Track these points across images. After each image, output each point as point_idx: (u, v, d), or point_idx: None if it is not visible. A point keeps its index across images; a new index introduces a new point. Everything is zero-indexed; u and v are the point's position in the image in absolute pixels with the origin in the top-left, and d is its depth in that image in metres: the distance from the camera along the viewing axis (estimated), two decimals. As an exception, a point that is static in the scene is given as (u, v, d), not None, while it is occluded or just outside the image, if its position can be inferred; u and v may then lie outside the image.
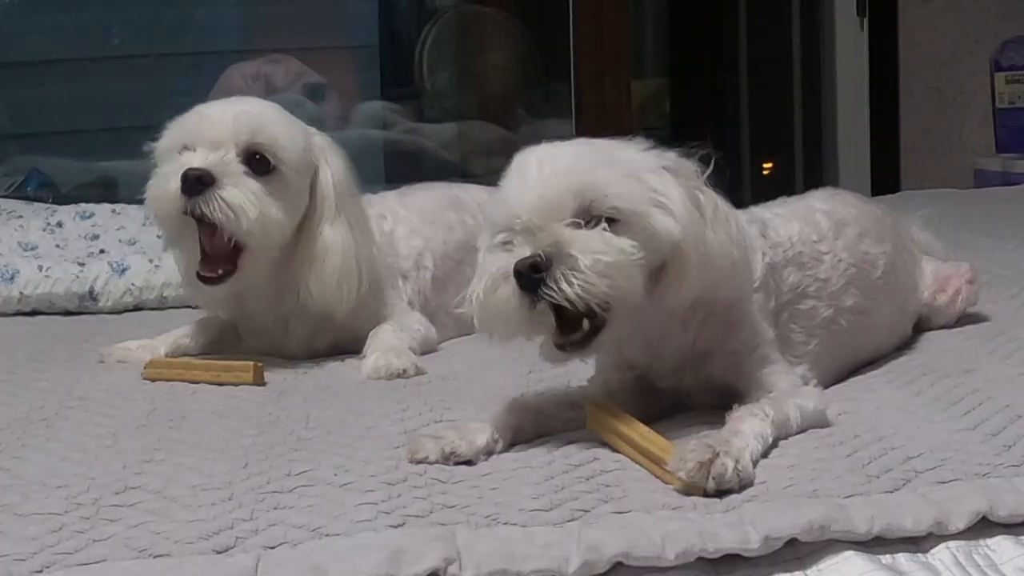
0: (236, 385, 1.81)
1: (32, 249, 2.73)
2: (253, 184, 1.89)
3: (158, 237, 2.82)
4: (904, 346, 1.88)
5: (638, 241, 1.37)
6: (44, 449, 1.50)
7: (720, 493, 1.26)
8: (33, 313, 2.49)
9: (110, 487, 1.32)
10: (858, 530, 1.20)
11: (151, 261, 2.56)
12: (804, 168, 4.90)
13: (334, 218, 1.97)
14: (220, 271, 1.91)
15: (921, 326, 1.96)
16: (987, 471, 1.31)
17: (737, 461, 1.28)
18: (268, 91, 4.26)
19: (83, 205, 3.03)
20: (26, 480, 1.37)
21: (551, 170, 1.39)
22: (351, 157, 2.07)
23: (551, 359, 1.43)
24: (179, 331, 2.08)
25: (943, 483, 1.28)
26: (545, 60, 4.89)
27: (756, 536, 1.18)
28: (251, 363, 1.84)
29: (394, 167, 4.68)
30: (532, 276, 1.34)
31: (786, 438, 1.43)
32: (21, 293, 2.48)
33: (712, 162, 1.48)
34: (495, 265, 1.38)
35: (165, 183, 1.88)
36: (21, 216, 3.00)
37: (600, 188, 1.37)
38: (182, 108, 1.98)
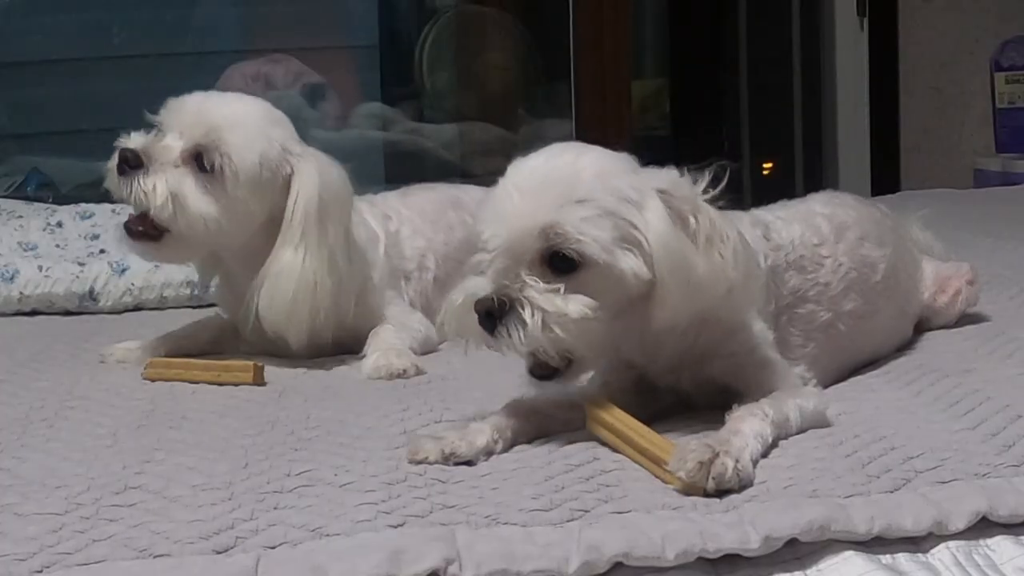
0: (236, 385, 1.81)
1: (32, 249, 2.72)
2: (178, 177, 1.91)
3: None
4: (904, 346, 1.88)
5: (602, 284, 1.39)
6: (44, 449, 1.50)
7: (720, 493, 1.26)
8: (33, 313, 2.49)
9: (110, 487, 1.32)
10: (858, 530, 1.20)
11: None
12: (804, 168, 4.90)
13: (297, 242, 1.93)
14: (142, 228, 1.95)
15: (921, 327, 1.96)
16: (987, 471, 1.31)
17: (737, 461, 1.28)
18: (268, 91, 4.26)
19: (83, 205, 3.03)
20: (26, 480, 1.37)
21: (521, 206, 1.40)
22: (350, 159, 2.05)
23: (529, 387, 1.46)
24: (179, 331, 2.08)
25: (943, 483, 1.28)
26: (545, 60, 4.89)
27: (756, 536, 1.18)
28: (251, 363, 1.84)
29: (394, 167, 4.68)
30: (489, 318, 1.39)
31: (786, 438, 1.43)
32: (21, 293, 2.48)
33: (727, 174, 1.48)
34: (465, 291, 1.43)
35: (112, 158, 1.94)
36: (21, 216, 3.00)
37: (565, 231, 1.38)
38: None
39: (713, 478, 1.26)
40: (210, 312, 2.19)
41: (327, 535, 1.18)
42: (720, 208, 1.47)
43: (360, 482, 1.32)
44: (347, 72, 4.80)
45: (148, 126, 1.96)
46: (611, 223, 1.39)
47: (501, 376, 1.81)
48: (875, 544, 1.21)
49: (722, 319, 1.49)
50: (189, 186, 1.91)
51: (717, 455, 1.27)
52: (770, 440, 1.39)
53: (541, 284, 1.38)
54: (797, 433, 1.44)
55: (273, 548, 1.16)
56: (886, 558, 1.20)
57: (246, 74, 4.41)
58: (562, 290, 1.38)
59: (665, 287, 1.40)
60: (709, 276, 1.41)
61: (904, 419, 1.50)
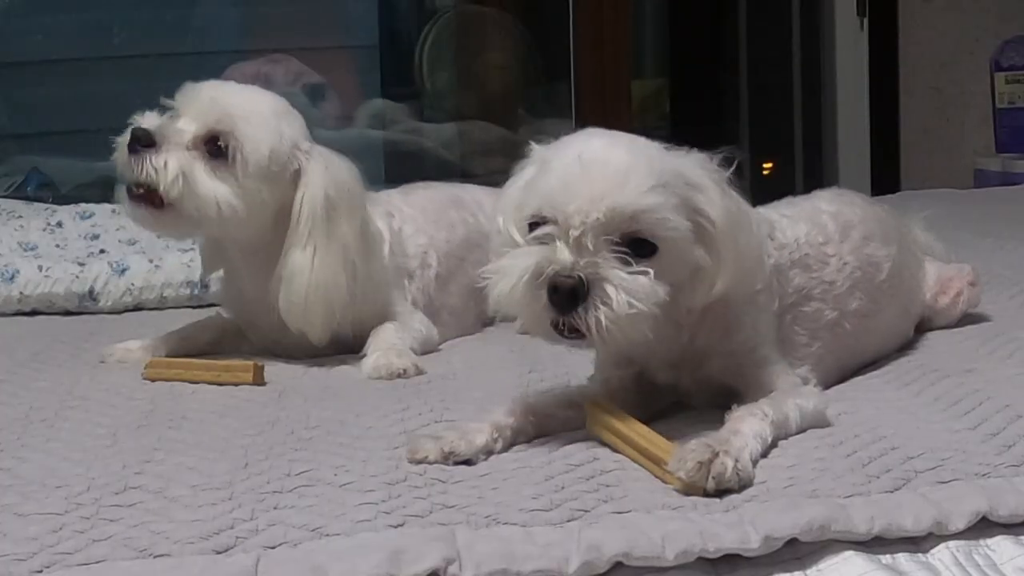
0: (236, 385, 1.81)
1: (32, 249, 2.72)
2: (189, 159, 1.91)
3: (159, 237, 2.83)
4: (904, 346, 1.88)
5: (670, 270, 1.38)
6: (44, 449, 1.50)
7: (720, 493, 1.26)
8: (33, 313, 2.49)
9: (110, 487, 1.32)
10: (858, 530, 1.20)
11: (151, 261, 2.56)
12: (804, 168, 4.90)
13: (305, 242, 1.94)
14: (143, 192, 1.93)
15: (922, 327, 1.96)
16: (987, 471, 1.31)
17: (737, 461, 1.28)
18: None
19: (83, 205, 3.03)
20: (26, 480, 1.37)
21: (618, 183, 1.36)
22: (352, 159, 2.06)
23: (552, 342, 1.41)
24: (179, 331, 2.08)
25: (943, 483, 1.28)
26: (545, 60, 4.88)
27: (756, 536, 1.18)
28: (251, 363, 1.84)
29: (394, 167, 4.68)
30: (569, 298, 1.33)
31: (786, 438, 1.43)
32: (21, 293, 2.48)
33: (735, 164, 1.48)
34: (530, 260, 1.35)
35: (124, 135, 1.94)
36: (21, 216, 3.00)
37: (658, 218, 1.36)
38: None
39: (713, 478, 1.26)
40: (210, 312, 2.19)
41: (327, 535, 1.18)
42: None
43: (360, 482, 1.32)
44: (347, 72, 4.80)
45: (163, 109, 1.97)
46: (686, 211, 1.40)
47: (501, 376, 1.82)
48: (875, 544, 1.21)
49: (730, 305, 1.49)
50: (200, 168, 1.91)
51: (717, 455, 1.27)
52: (770, 440, 1.39)
53: (625, 265, 1.35)
54: (797, 433, 1.44)
55: (273, 548, 1.16)
56: (886, 558, 1.20)
57: (246, 74, 4.40)
58: (649, 273, 1.35)
59: (724, 265, 1.41)
60: (747, 251, 1.45)
61: (904, 419, 1.50)
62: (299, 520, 1.21)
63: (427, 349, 2.04)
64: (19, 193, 4.01)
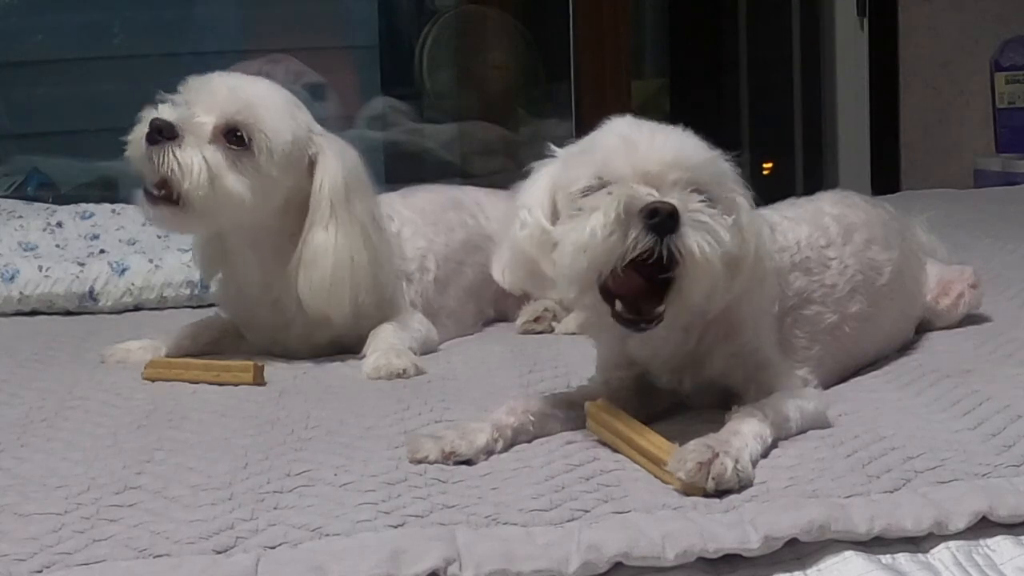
0: (236, 385, 1.81)
1: (32, 249, 2.72)
2: (212, 151, 1.89)
3: (159, 237, 2.83)
4: (904, 347, 1.88)
5: None
6: (44, 449, 1.50)
7: (720, 493, 1.26)
8: (33, 313, 2.49)
9: (110, 487, 1.32)
10: (858, 530, 1.20)
11: (151, 261, 2.56)
12: (804, 168, 4.90)
13: (327, 223, 1.95)
14: (164, 192, 1.90)
15: (922, 328, 1.96)
16: (987, 471, 1.31)
17: (736, 461, 1.28)
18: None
19: (83, 205, 3.03)
20: (26, 480, 1.37)
21: (679, 136, 1.39)
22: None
23: (623, 335, 1.42)
24: (179, 331, 2.08)
25: (943, 483, 1.28)
26: (545, 60, 4.88)
27: (756, 536, 1.18)
28: (251, 363, 1.84)
29: (394, 167, 4.68)
30: (668, 221, 1.30)
31: (786, 439, 1.42)
32: (21, 293, 2.48)
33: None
34: (621, 196, 1.32)
35: (140, 128, 1.91)
36: (21, 216, 3.00)
37: (716, 169, 1.38)
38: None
39: (712, 478, 1.26)
40: (210, 312, 2.19)
41: (327, 535, 1.18)
42: None
43: (360, 482, 1.32)
44: (347, 72, 4.80)
45: (162, 102, 1.96)
46: (730, 188, 1.42)
47: (501, 376, 1.82)
48: (875, 544, 1.21)
49: (734, 309, 1.49)
50: (222, 162, 1.90)
51: (717, 455, 1.27)
52: (770, 441, 1.39)
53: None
54: (797, 434, 1.44)
55: (273, 548, 1.16)
56: (886, 558, 1.20)
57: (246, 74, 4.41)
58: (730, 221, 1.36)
59: (739, 266, 1.41)
60: (761, 249, 1.46)
61: (904, 419, 1.50)
62: (299, 520, 1.21)
63: (427, 349, 2.04)
64: (19, 193, 4.01)
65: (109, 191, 4.17)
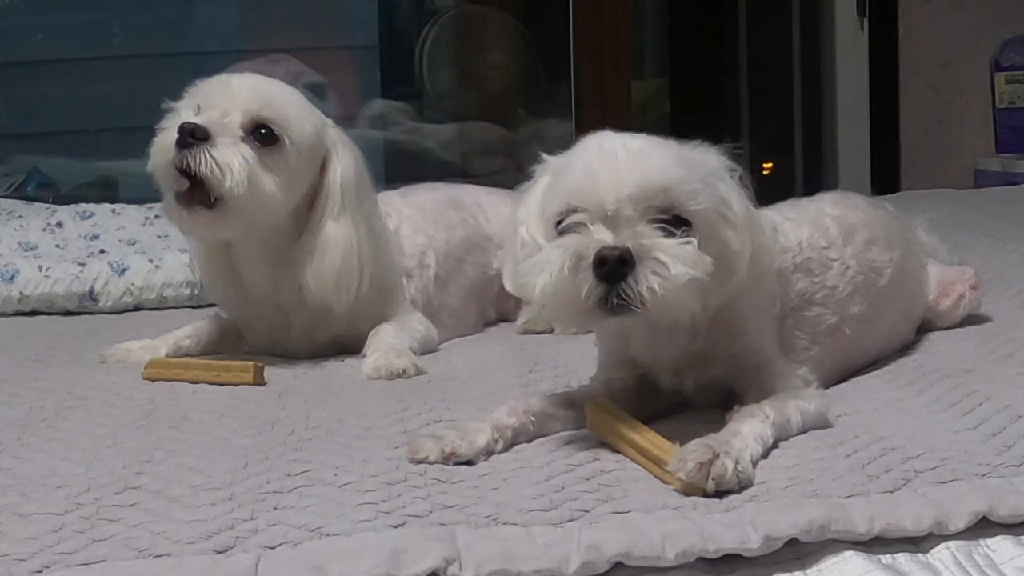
0: (236, 385, 1.81)
1: (32, 249, 2.72)
2: (247, 150, 1.88)
3: (159, 237, 2.83)
4: (905, 347, 1.88)
5: (705, 242, 1.37)
6: (44, 449, 1.50)
7: (720, 494, 1.26)
8: (33, 313, 2.49)
9: (110, 487, 1.32)
10: (858, 530, 1.20)
11: (151, 261, 2.56)
12: (804, 168, 4.90)
13: (339, 214, 1.96)
14: (196, 195, 1.88)
15: (923, 328, 1.96)
16: (987, 471, 1.31)
17: (737, 462, 1.28)
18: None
19: (83, 205, 3.03)
20: (26, 480, 1.37)
21: (643, 161, 1.36)
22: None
23: (598, 318, 1.38)
24: (179, 331, 2.08)
25: (943, 483, 1.28)
26: (545, 60, 4.88)
27: (756, 536, 1.18)
28: (251, 363, 1.84)
29: (394, 167, 4.68)
30: (617, 269, 1.31)
31: (786, 439, 1.42)
32: (21, 293, 2.48)
33: (740, 160, 1.49)
34: (570, 244, 1.33)
35: (165, 136, 1.89)
36: (21, 216, 3.00)
37: (687, 190, 1.36)
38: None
39: (713, 479, 1.26)
40: (210, 312, 2.19)
41: (327, 535, 1.18)
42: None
43: (360, 482, 1.32)
44: (347, 72, 4.80)
45: (169, 109, 1.94)
46: (711, 193, 1.39)
47: (501, 376, 1.82)
48: (875, 544, 1.21)
49: (737, 310, 1.49)
50: (255, 160, 1.89)
51: (717, 456, 1.27)
52: (771, 442, 1.39)
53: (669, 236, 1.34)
54: (798, 434, 1.44)
55: (273, 548, 1.16)
56: (886, 558, 1.20)
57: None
58: (692, 242, 1.35)
59: (739, 265, 1.41)
60: (761, 246, 1.45)
61: (904, 419, 1.50)
62: (299, 520, 1.21)
63: (427, 349, 2.04)
64: (19, 193, 4.01)
65: (109, 191, 4.17)
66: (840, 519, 1.20)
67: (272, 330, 2.04)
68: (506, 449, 1.42)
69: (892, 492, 1.27)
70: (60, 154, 4.43)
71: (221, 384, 1.82)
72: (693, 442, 1.31)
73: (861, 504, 1.23)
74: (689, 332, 1.49)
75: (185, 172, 1.86)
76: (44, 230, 2.86)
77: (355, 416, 1.61)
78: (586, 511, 1.22)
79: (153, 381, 1.85)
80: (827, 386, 1.64)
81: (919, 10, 4.60)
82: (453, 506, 1.24)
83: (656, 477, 1.31)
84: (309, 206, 1.98)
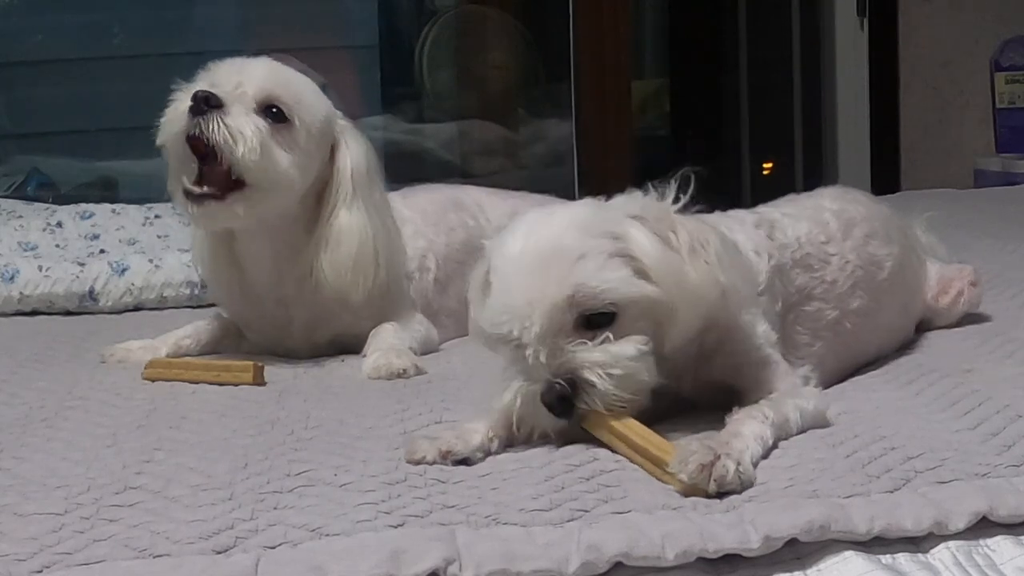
0: (236, 385, 1.81)
1: (32, 249, 2.73)
2: (261, 121, 1.89)
3: (159, 237, 2.83)
4: (904, 346, 1.88)
5: (639, 318, 1.39)
6: (44, 449, 1.50)
7: (721, 494, 1.26)
8: (33, 313, 2.49)
9: (110, 487, 1.32)
10: (858, 530, 1.20)
11: (151, 261, 2.56)
12: (804, 168, 4.90)
13: (351, 202, 1.97)
14: (207, 189, 1.88)
15: (922, 327, 1.96)
16: (987, 471, 1.31)
17: (738, 464, 1.28)
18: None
19: (83, 205, 3.03)
20: (26, 480, 1.37)
21: (535, 287, 1.37)
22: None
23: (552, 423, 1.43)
24: (179, 331, 2.08)
25: (943, 483, 1.28)
26: (545, 60, 4.89)
27: (756, 536, 1.18)
28: (251, 363, 1.84)
29: (394, 167, 4.68)
30: (563, 403, 1.37)
31: (786, 438, 1.42)
32: (21, 293, 2.48)
33: (692, 180, 1.47)
34: (516, 386, 1.40)
35: (178, 105, 1.89)
36: (21, 216, 3.00)
37: (590, 288, 1.37)
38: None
39: (715, 480, 1.26)
40: (210, 312, 2.19)
41: (327, 535, 1.18)
42: (698, 212, 1.49)
43: (360, 482, 1.32)
44: (347, 72, 4.80)
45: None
46: (618, 261, 1.39)
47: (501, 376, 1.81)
48: (875, 544, 1.21)
49: (720, 321, 1.49)
50: (267, 133, 1.89)
51: (719, 457, 1.27)
52: (771, 442, 1.39)
53: (589, 344, 1.37)
54: (797, 434, 1.44)
55: (273, 548, 1.16)
56: (886, 558, 1.20)
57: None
58: (611, 338, 1.38)
59: (671, 303, 1.40)
60: (702, 283, 1.42)
61: (904, 419, 1.50)
62: (299, 520, 1.21)
63: (427, 349, 2.04)
64: (19, 193, 4.01)
65: (109, 191, 4.17)
66: (840, 519, 1.20)
67: (273, 326, 2.04)
68: (502, 448, 1.42)
69: (892, 492, 1.27)
70: (60, 154, 4.43)
71: (221, 384, 1.82)
72: (694, 443, 1.31)
73: (861, 504, 1.23)
74: (686, 345, 1.48)
75: (197, 143, 1.86)
76: (44, 230, 2.86)
77: (355, 416, 1.61)
78: (586, 511, 1.22)
79: (153, 381, 1.85)
80: (829, 383, 1.64)
81: (919, 10, 4.60)
82: (453, 506, 1.24)
83: (656, 478, 1.31)
84: (317, 198, 1.98)
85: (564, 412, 1.38)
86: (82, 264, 2.54)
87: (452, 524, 1.20)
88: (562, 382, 1.37)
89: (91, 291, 2.51)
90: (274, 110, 1.91)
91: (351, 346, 2.01)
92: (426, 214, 2.22)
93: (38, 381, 1.88)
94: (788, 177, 4.91)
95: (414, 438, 1.43)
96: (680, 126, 5.24)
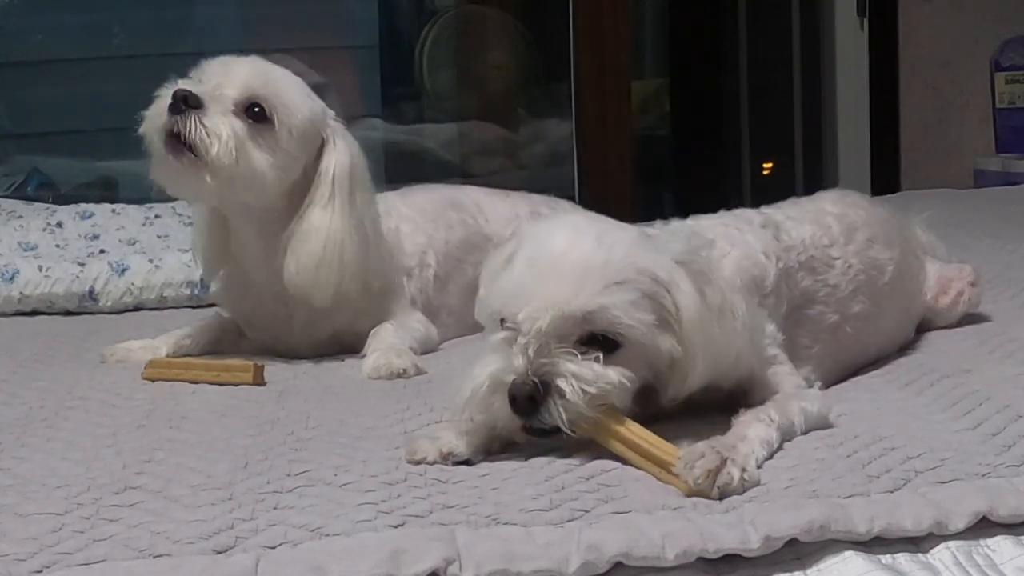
0: (236, 385, 1.81)
1: (32, 249, 2.73)
2: (238, 122, 1.90)
3: (159, 237, 2.83)
4: (904, 346, 1.88)
5: (640, 360, 1.38)
6: (44, 449, 1.50)
7: (722, 496, 1.26)
8: (33, 313, 2.49)
9: (110, 487, 1.32)
10: (858, 530, 1.20)
11: (151, 261, 2.56)
12: (804, 168, 4.90)
13: (327, 203, 1.96)
14: (184, 144, 1.88)
15: (922, 327, 1.96)
16: (987, 471, 1.31)
17: (744, 470, 1.28)
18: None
19: (83, 205, 3.03)
20: (26, 480, 1.37)
21: (561, 290, 1.36)
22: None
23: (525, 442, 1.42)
24: (179, 331, 2.08)
25: (943, 483, 1.28)
26: (545, 60, 4.89)
27: (756, 536, 1.18)
28: (251, 363, 1.84)
29: (394, 167, 4.68)
30: (529, 403, 1.35)
31: (790, 441, 1.42)
32: (21, 293, 2.48)
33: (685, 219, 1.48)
34: (488, 370, 1.37)
35: (160, 102, 1.91)
36: (21, 216, 3.00)
37: (613, 315, 1.35)
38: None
39: (719, 487, 1.26)
40: (210, 312, 2.19)
41: (327, 535, 1.18)
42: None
43: (360, 482, 1.32)
44: (347, 72, 4.80)
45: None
46: (650, 305, 1.38)
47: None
48: (875, 544, 1.21)
49: (731, 379, 1.49)
50: (244, 133, 1.90)
51: (724, 462, 1.27)
52: (776, 446, 1.39)
53: (578, 356, 1.36)
54: (800, 435, 1.44)
55: (273, 548, 1.16)
56: (886, 558, 1.20)
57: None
58: (600, 359, 1.36)
59: (693, 360, 1.40)
60: (724, 343, 1.42)
61: (904, 419, 1.50)
62: (299, 520, 1.21)
63: (427, 348, 2.04)
64: (19, 193, 4.01)
65: (109, 191, 4.17)
66: (840, 519, 1.20)
67: (273, 323, 2.04)
68: (503, 448, 1.42)
69: (892, 492, 1.27)
70: (60, 154, 4.43)
71: (221, 384, 1.82)
72: (700, 445, 1.30)
73: (861, 504, 1.23)
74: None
75: (175, 138, 1.88)
76: (44, 230, 2.86)
77: (355, 416, 1.61)
78: (586, 511, 1.22)
79: (153, 381, 1.85)
80: (827, 385, 1.64)
81: (919, 10, 4.60)
82: (453, 506, 1.24)
83: (657, 479, 1.31)
84: (302, 196, 1.98)
85: (524, 411, 1.35)
86: (82, 264, 2.54)
87: (452, 524, 1.20)
88: (536, 381, 1.35)
89: (91, 291, 2.51)
90: (256, 109, 1.92)
91: (351, 344, 2.01)
92: (425, 212, 2.22)
93: (38, 381, 1.88)
94: (788, 177, 4.91)
95: (414, 439, 1.43)
96: (680, 126, 5.23)
